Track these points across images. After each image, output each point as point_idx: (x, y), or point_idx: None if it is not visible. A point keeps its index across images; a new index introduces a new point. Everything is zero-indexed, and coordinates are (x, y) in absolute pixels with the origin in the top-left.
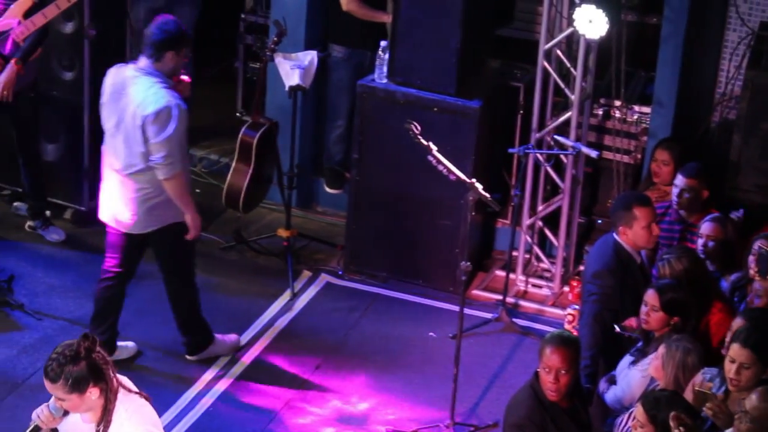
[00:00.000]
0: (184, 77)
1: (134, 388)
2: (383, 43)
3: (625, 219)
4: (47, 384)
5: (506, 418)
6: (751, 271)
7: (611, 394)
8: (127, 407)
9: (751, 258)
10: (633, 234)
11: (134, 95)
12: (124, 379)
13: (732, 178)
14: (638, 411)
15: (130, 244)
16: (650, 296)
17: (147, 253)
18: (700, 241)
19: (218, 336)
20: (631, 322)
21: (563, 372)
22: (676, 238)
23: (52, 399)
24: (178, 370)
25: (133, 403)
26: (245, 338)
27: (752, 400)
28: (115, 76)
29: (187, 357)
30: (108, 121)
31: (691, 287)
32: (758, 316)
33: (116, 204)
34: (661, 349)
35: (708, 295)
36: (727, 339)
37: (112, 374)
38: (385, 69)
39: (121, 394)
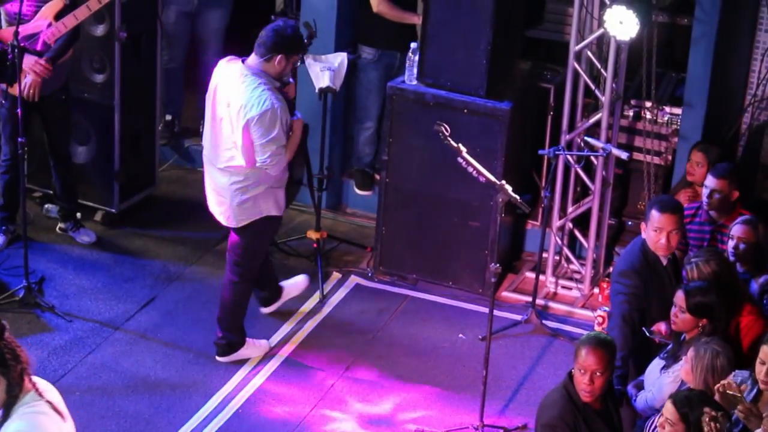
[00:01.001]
0: (290, 80)
1: (48, 396)
2: (413, 45)
3: (647, 217)
4: None
5: (539, 417)
6: None
7: (641, 400)
8: (25, 410)
9: None
10: (646, 234)
11: (239, 94)
12: (42, 383)
13: (763, 180)
14: (668, 409)
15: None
16: (678, 298)
17: (178, 255)
18: (731, 243)
19: (249, 339)
20: (660, 326)
21: (598, 374)
22: (706, 239)
23: None
24: (207, 372)
25: (34, 409)
26: (274, 340)
27: None
28: (224, 69)
29: (217, 358)
30: (210, 112)
31: (720, 290)
32: None
33: (212, 196)
34: (691, 352)
35: (737, 297)
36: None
37: (20, 370)
38: (414, 70)
39: (29, 396)
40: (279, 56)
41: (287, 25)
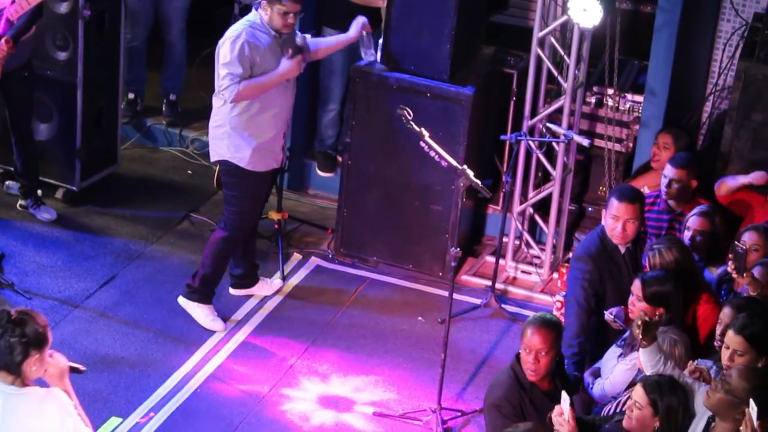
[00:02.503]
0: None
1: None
2: (360, 18)
3: (606, 204)
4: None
5: (486, 398)
6: (729, 268)
7: (598, 387)
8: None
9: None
10: (605, 221)
11: None
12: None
13: (722, 169)
14: (638, 393)
15: None
16: (635, 287)
17: (139, 233)
18: (688, 234)
19: (209, 307)
20: (619, 312)
21: (543, 353)
22: (664, 227)
23: None
24: (167, 351)
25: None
26: (234, 319)
27: (732, 374)
28: None
29: (231, 291)
30: None
31: (680, 278)
32: (745, 304)
33: None
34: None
35: (695, 286)
36: (718, 331)
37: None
38: (369, 44)
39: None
40: (263, 2)
41: None
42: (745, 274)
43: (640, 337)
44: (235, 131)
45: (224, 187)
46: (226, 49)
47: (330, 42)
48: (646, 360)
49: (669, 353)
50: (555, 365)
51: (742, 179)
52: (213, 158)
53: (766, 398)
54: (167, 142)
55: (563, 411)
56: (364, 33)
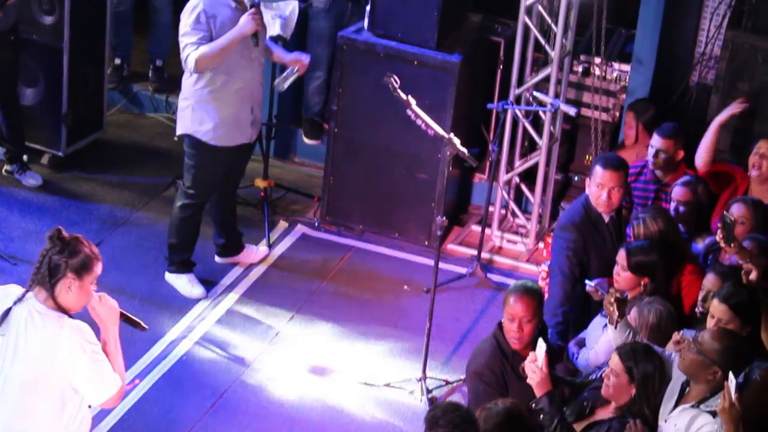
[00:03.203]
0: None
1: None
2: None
3: (590, 173)
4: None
5: (468, 365)
6: (717, 237)
7: (582, 358)
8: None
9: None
10: (589, 189)
11: None
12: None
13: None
14: (613, 360)
15: None
16: (620, 256)
17: (125, 200)
18: (672, 205)
19: (191, 275)
20: (602, 282)
21: (526, 320)
22: (650, 197)
23: None
24: (152, 318)
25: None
26: (220, 287)
27: (705, 335)
28: None
29: (216, 259)
30: None
31: (664, 248)
32: (729, 272)
33: None
34: (633, 312)
35: (680, 256)
36: (700, 296)
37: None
38: (284, 85)
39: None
40: None
41: None
42: (732, 244)
43: (616, 314)
44: (200, 105)
45: (185, 156)
46: (183, 21)
47: (278, 53)
48: (617, 336)
49: (656, 324)
50: (537, 333)
51: (720, 117)
52: (178, 131)
53: (736, 358)
54: (153, 108)
55: (537, 358)
56: (294, 68)
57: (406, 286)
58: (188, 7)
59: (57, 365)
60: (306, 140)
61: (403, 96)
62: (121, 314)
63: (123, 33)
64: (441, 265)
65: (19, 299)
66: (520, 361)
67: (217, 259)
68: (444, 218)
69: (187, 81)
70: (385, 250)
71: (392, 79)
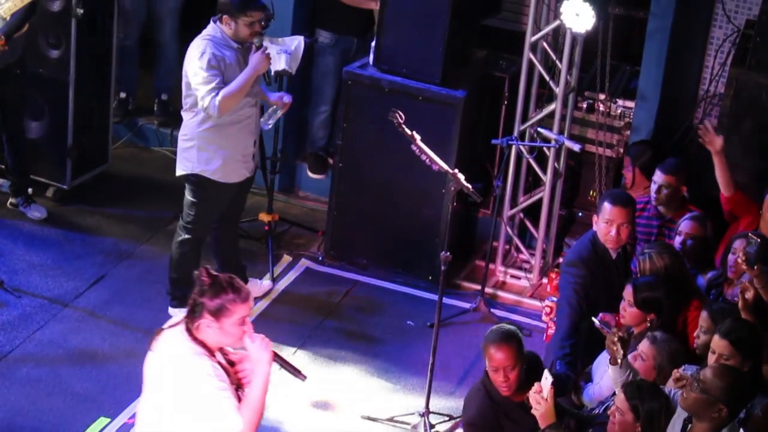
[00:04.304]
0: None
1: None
2: (286, 98)
3: (598, 209)
4: None
5: (462, 415)
6: (739, 260)
7: (589, 392)
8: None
9: (731, 257)
10: (597, 226)
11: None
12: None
13: (713, 176)
14: (619, 398)
15: None
16: (627, 292)
17: (129, 233)
18: (678, 239)
19: (251, 279)
20: (607, 317)
21: (510, 368)
22: (654, 233)
23: None
24: None
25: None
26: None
27: (707, 373)
28: None
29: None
30: None
31: (670, 284)
32: (728, 309)
33: None
34: (648, 348)
35: (686, 292)
36: (695, 333)
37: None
38: (269, 123)
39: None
40: (225, 16)
41: None
42: (756, 267)
43: (620, 353)
44: (206, 144)
45: (186, 193)
46: (194, 68)
47: (287, 51)
48: (616, 376)
49: (674, 357)
50: (524, 375)
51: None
52: (180, 172)
53: (741, 396)
54: (158, 141)
55: (542, 389)
56: (279, 109)
57: (409, 321)
58: (195, 52)
59: (172, 389)
60: (310, 174)
61: (408, 131)
62: (280, 360)
63: (128, 67)
64: (445, 300)
65: (173, 324)
66: (512, 405)
67: None
68: (448, 253)
69: (191, 121)
70: (389, 285)
71: (397, 115)
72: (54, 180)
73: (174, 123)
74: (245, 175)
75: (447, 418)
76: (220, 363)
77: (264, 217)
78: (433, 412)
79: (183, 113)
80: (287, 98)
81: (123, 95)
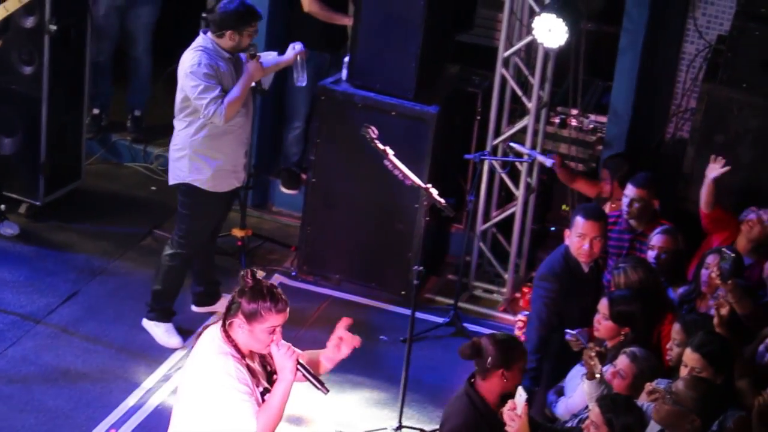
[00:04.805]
0: (241, 56)
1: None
2: (297, 45)
3: (571, 224)
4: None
5: (442, 426)
6: (712, 275)
7: (562, 406)
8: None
9: (704, 272)
10: (570, 240)
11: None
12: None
13: (683, 190)
14: (594, 412)
15: None
16: (602, 305)
17: (102, 249)
18: (652, 253)
19: (169, 325)
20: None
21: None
22: (625, 247)
23: None
24: (128, 368)
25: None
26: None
27: (679, 385)
28: None
29: (193, 308)
30: None
31: (645, 298)
32: (700, 321)
33: None
34: (628, 366)
35: (661, 306)
36: (668, 346)
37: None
38: (301, 69)
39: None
40: (229, 31)
41: (232, 1)
42: (729, 282)
43: (599, 367)
44: (197, 154)
45: (179, 206)
46: (193, 79)
47: (269, 62)
48: (591, 391)
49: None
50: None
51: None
52: (172, 181)
53: (713, 407)
54: (132, 157)
55: (516, 405)
56: (299, 58)
57: (382, 336)
58: (190, 64)
59: (197, 383)
60: (284, 190)
61: (381, 146)
62: (305, 370)
63: (102, 83)
64: (418, 314)
65: (211, 323)
66: (495, 418)
67: (193, 308)
68: (421, 268)
69: (184, 131)
70: (362, 300)
71: (370, 130)
72: (27, 196)
73: (147, 139)
74: (234, 185)
75: None
76: (249, 366)
77: (237, 232)
78: (406, 427)
79: (175, 123)
80: (298, 46)
81: (96, 111)
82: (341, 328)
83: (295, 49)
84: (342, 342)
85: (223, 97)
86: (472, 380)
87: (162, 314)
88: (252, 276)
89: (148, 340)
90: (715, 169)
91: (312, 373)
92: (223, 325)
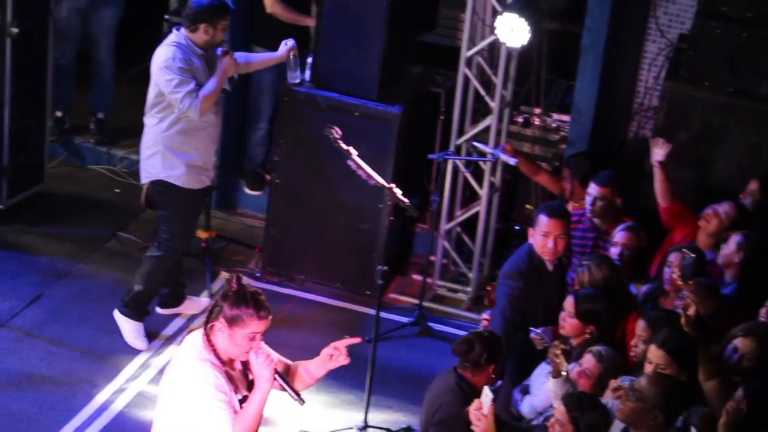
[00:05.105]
0: (217, 51)
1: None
2: (289, 41)
3: (534, 222)
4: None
5: (434, 414)
6: (674, 275)
7: (527, 405)
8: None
9: (666, 270)
10: (534, 239)
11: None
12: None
13: (646, 188)
14: (559, 410)
15: None
16: (568, 303)
17: (66, 252)
18: (615, 250)
19: (140, 327)
20: (550, 330)
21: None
22: (589, 245)
23: None
24: (93, 371)
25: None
26: (161, 339)
27: (642, 381)
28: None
29: (158, 309)
30: None
31: (610, 295)
32: (664, 318)
33: None
34: (594, 366)
35: (626, 303)
36: (632, 342)
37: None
38: (294, 65)
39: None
40: (203, 25)
41: None
42: (690, 282)
43: (564, 365)
44: (169, 150)
45: (158, 207)
46: (167, 74)
47: (260, 57)
48: (556, 390)
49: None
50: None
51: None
52: (144, 179)
53: (676, 403)
54: (95, 160)
55: (482, 405)
56: (292, 55)
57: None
58: (164, 58)
59: (176, 388)
60: (248, 191)
61: (344, 147)
62: (282, 379)
63: (65, 86)
64: (382, 314)
65: (195, 328)
66: None
67: (158, 310)
68: (385, 267)
69: (155, 128)
70: (327, 300)
71: (333, 130)
72: None
73: (110, 141)
74: (206, 183)
75: None
76: (228, 373)
77: (202, 233)
78: (372, 426)
79: (146, 120)
80: (290, 42)
81: (59, 114)
82: (344, 342)
83: (287, 45)
84: (336, 353)
85: (198, 91)
86: (460, 373)
87: (136, 312)
88: (237, 280)
89: (113, 342)
90: (658, 153)
91: (289, 383)
92: (205, 329)
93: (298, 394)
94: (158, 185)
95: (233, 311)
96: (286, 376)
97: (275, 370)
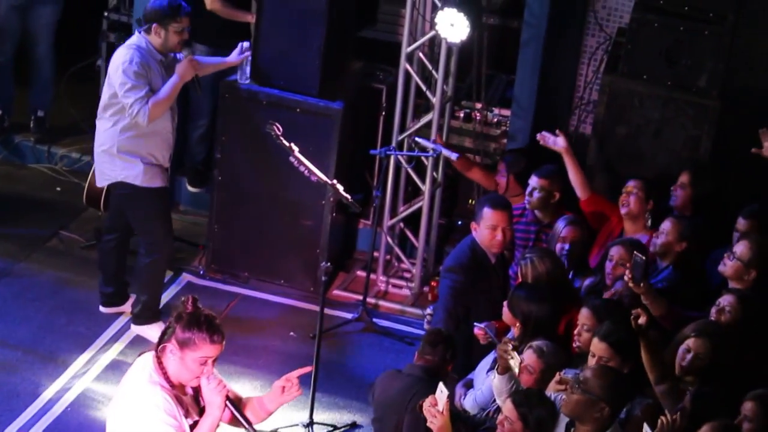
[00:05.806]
0: (178, 55)
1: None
2: (245, 44)
3: (477, 216)
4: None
5: (408, 404)
6: (626, 278)
7: (470, 400)
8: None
9: (608, 264)
10: (479, 233)
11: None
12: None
13: (589, 181)
14: (507, 408)
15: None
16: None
17: (7, 251)
18: (560, 245)
19: (133, 295)
20: (494, 324)
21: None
22: (531, 238)
23: None
24: (35, 371)
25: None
26: (104, 338)
27: (586, 373)
28: None
29: (101, 308)
30: None
31: (552, 288)
32: (606, 308)
33: None
34: (536, 362)
35: (568, 296)
36: (575, 332)
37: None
38: (248, 70)
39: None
40: (154, 25)
41: None
42: (642, 284)
43: (517, 360)
44: (124, 152)
45: (129, 212)
46: (121, 77)
47: (214, 61)
48: (501, 386)
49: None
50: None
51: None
52: (101, 183)
53: (621, 395)
54: (35, 158)
55: (438, 402)
56: (243, 61)
57: (292, 333)
58: (121, 61)
59: (124, 411)
60: (190, 188)
61: (286, 143)
62: (233, 406)
63: (3, 84)
64: (327, 310)
65: (146, 351)
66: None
67: (101, 308)
68: (329, 264)
69: (110, 129)
70: (271, 297)
71: (275, 127)
72: None
73: (51, 139)
74: (163, 184)
75: (331, 428)
76: (179, 397)
77: None
78: (317, 423)
79: (98, 122)
80: (246, 44)
81: None
82: (295, 373)
83: (243, 48)
84: (288, 384)
85: (149, 98)
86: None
87: (153, 316)
88: (193, 303)
89: (55, 342)
90: (559, 141)
91: (241, 411)
92: (156, 350)
93: (249, 423)
94: (120, 188)
95: (186, 334)
96: (238, 404)
97: (227, 396)
